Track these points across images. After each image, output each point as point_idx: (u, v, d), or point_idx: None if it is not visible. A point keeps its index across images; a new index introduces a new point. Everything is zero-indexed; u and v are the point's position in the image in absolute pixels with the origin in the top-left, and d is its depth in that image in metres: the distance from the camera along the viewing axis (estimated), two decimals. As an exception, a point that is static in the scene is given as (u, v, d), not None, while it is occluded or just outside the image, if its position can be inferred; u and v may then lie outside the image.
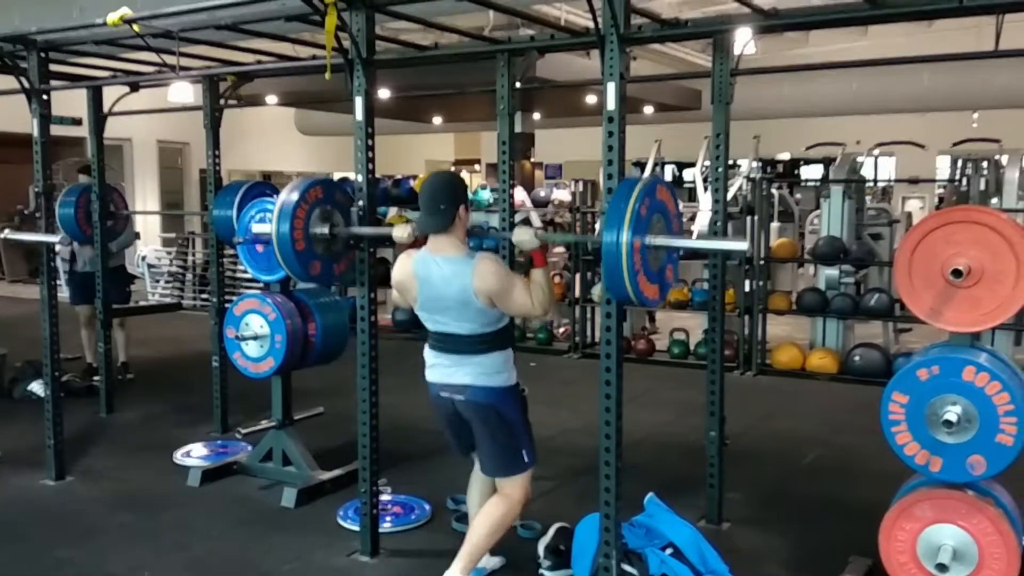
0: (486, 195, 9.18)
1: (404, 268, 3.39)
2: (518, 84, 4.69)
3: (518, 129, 8.51)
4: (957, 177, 10.47)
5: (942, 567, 2.97)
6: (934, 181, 15.57)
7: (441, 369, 3.38)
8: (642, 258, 2.93)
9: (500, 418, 3.35)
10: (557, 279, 8.92)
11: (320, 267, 3.83)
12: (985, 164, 9.08)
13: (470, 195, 9.13)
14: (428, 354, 3.44)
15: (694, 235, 9.40)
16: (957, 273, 2.94)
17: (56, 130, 4.90)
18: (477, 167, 20.52)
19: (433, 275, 3.28)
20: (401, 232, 3.51)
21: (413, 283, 3.34)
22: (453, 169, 21.61)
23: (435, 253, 3.31)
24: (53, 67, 5.24)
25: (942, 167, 16.23)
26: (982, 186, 8.85)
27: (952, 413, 2.92)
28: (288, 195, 3.74)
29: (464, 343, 3.31)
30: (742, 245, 3.06)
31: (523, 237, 3.29)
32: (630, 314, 8.61)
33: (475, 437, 3.44)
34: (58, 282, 5.03)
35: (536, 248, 3.28)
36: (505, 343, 3.38)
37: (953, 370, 2.94)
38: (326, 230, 3.79)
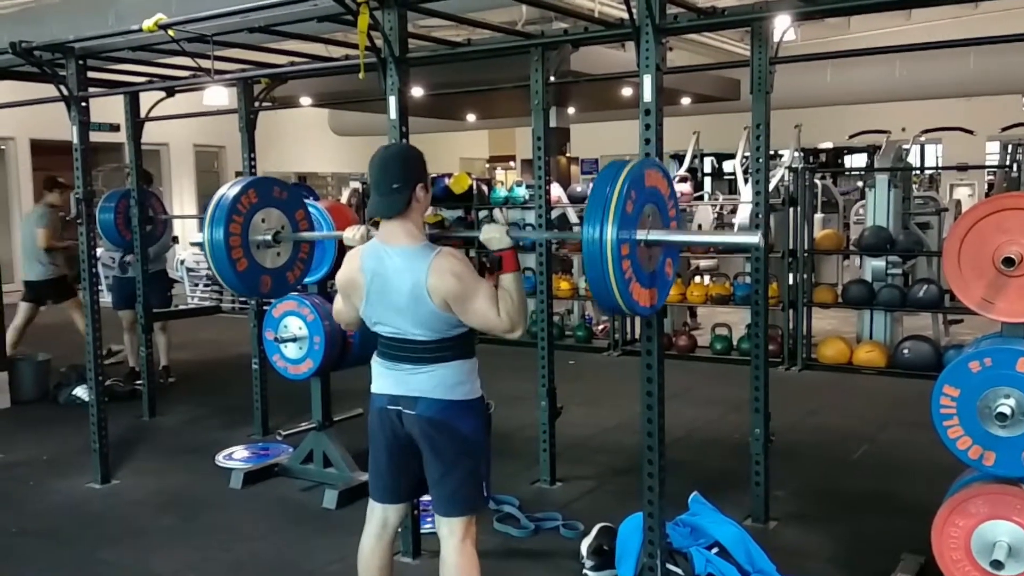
0: (522, 191, 9.15)
1: (351, 264, 2.91)
2: (552, 78, 4.65)
3: (553, 124, 8.46)
4: (1007, 163, 10.23)
5: (997, 564, 2.89)
6: (983, 167, 15.25)
7: (390, 379, 2.86)
8: (632, 262, 2.53)
9: (457, 437, 2.81)
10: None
11: (271, 282, 3.74)
12: (1035, 149, 8.86)
13: (502, 191, 9.25)
14: (376, 364, 2.93)
15: (735, 228, 9.32)
16: (1009, 262, 2.85)
17: (95, 136, 4.95)
18: (512, 164, 20.49)
19: (386, 268, 2.77)
20: (352, 233, 3.12)
21: (360, 280, 2.84)
22: (489, 165, 21.53)
23: (387, 242, 2.80)
24: (91, 74, 5.30)
25: (991, 153, 15.87)
26: (1033, 171, 8.62)
27: (1006, 406, 2.82)
28: (219, 205, 3.60)
29: (419, 350, 2.79)
30: (753, 238, 2.72)
31: (491, 235, 2.83)
32: (671, 310, 8.53)
33: (425, 466, 2.86)
34: (100, 288, 5.07)
35: (507, 248, 2.82)
36: (468, 351, 2.87)
37: (1006, 362, 2.85)
38: (269, 237, 3.67)
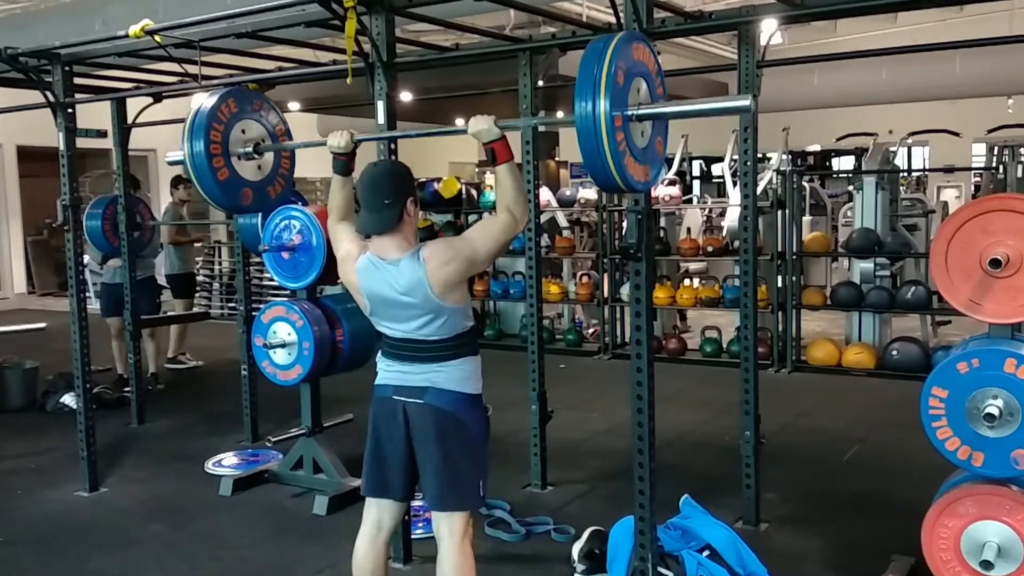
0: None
1: (348, 278, 2.94)
2: (540, 82, 4.65)
3: (542, 128, 8.48)
4: (994, 165, 10.29)
5: (987, 564, 2.90)
6: (970, 169, 15.32)
7: (397, 373, 2.88)
8: (626, 135, 2.48)
9: (462, 431, 2.83)
10: (585, 279, 8.86)
11: (252, 195, 3.67)
12: (1022, 150, 8.90)
13: (492, 195, 9.23)
14: (382, 362, 2.94)
15: (723, 231, 9.33)
16: (995, 263, 2.86)
17: (81, 142, 4.92)
18: (503, 168, 20.40)
19: (384, 281, 2.80)
20: (337, 140, 3.01)
21: (359, 293, 2.90)
22: (479, 169, 21.56)
23: (382, 256, 2.83)
24: (77, 80, 5.28)
25: (978, 155, 15.95)
26: (1019, 173, 8.68)
27: (994, 407, 2.84)
28: (198, 116, 3.50)
29: (427, 349, 2.82)
30: (744, 101, 2.61)
31: (480, 127, 2.77)
32: (661, 314, 8.54)
33: (422, 458, 2.86)
34: (88, 294, 5.05)
35: (497, 139, 2.77)
36: (474, 348, 2.91)
37: (994, 363, 2.86)
38: (250, 148, 3.61)
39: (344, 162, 3.07)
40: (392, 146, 3.68)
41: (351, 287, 2.94)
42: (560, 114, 12.75)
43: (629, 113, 2.48)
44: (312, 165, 18.31)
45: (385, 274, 2.80)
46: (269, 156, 3.81)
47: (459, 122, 15.36)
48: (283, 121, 3.98)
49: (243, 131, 3.70)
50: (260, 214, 5.11)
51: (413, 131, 3.53)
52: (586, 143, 2.44)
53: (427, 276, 2.73)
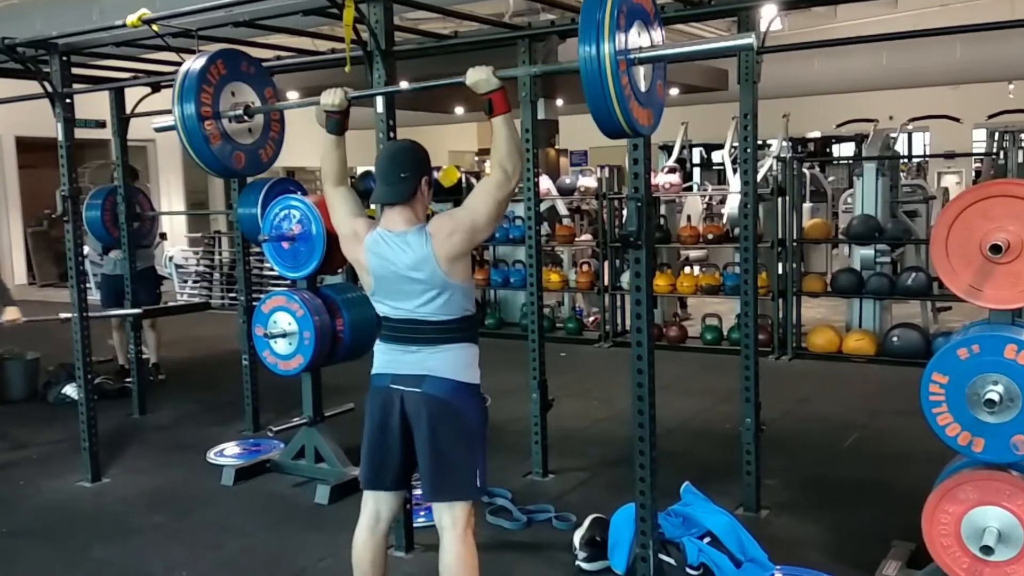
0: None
1: (355, 254, 2.90)
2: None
3: (541, 116, 8.46)
4: (994, 150, 10.26)
5: (987, 549, 2.90)
6: (970, 155, 15.30)
7: (396, 357, 2.85)
8: (630, 78, 2.45)
9: (459, 420, 2.80)
10: (585, 267, 8.85)
11: (245, 159, 3.64)
12: (1023, 136, 8.88)
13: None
14: (380, 347, 2.91)
15: (724, 218, 9.33)
16: (996, 249, 2.85)
17: (80, 133, 4.91)
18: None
19: (385, 257, 2.79)
20: (331, 97, 2.98)
21: (365, 271, 2.88)
22: (478, 158, 21.53)
23: (389, 229, 2.81)
24: (75, 70, 5.27)
25: (978, 140, 15.91)
26: (1020, 158, 8.65)
27: (994, 392, 2.83)
28: (187, 78, 3.45)
29: (428, 331, 2.79)
30: (747, 39, 2.57)
31: (478, 77, 2.72)
32: (661, 301, 8.54)
33: (418, 447, 2.82)
34: (88, 285, 5.05)
35: (495, 89, 2.71)
36: (473, 335, 2.88)
37: (994, 348, 2.86)
38: (240, 111, 3.57)
39: (338, 120, 3.03)
40: (391, 133, 3.67)
41: (357, 265, 2.91)
42: (560, 102, 12.74)
43: (632, 56, 2.46)
44: (311, 155, 18.32)
45: (393, 248, 2.78)
46: (260, 119, 3.78)
47: (458, 110, 15.16)
48: (272, 84, 3.95)
49: (233, 93, 3.67)
50: (260, 204, 5.11)
51: (409, 86, 3.46)
52: (591, 87, 2.40)
53: (434, 250, 2.72)
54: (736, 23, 4.17)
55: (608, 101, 2.40)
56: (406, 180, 2.80)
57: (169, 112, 3.64)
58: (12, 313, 5.55)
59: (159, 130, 3.67)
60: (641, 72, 2.54)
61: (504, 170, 2.71)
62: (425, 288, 2.77)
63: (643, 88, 2.55)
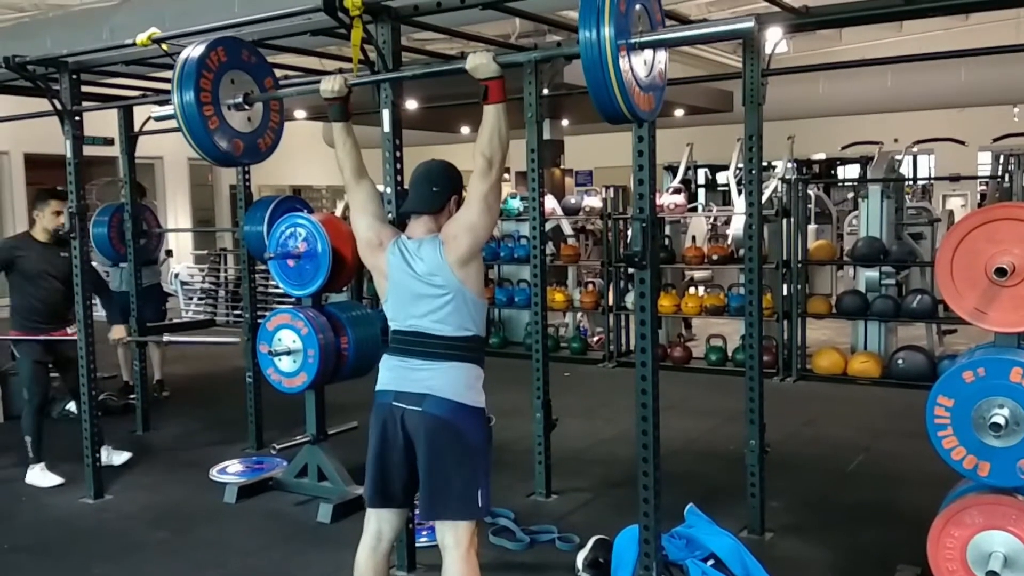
0: (516, 204, 9.15)
1: (375, 261, 2.95)
2: (546, 91, 4.66)
3: (547, 136, 8.49)
4: (999, 173, 10.27)
5: (993, 575, 2.87)
6: (976, 178, 15.28)
7: (399, 373, 2.86)
8: (630, 63, 2.45)
9: (460, 441, 2.79)
10: (590, 287, 8.86)
11: (243, 146, 3.63)
12: (1027, 159, 8.89)
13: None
14: (385, 362, 2.93)
15: (728, 239, 9.33)
16: (1001, 272, 2.85)
17: (88, 150, 4.94)
18: (506, 176, 20.50)
19: (403, 264, 2.84)
20: (330, 84, 3.00)
21: (383, 278, 2.92)
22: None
23: (409, 236, 2.89)
24: (85, 88, 5.30)
25: (983, 163, 15.92)
26: (1025, 182, 8.65)
27: (1000, 416, 2.82)
28: (187, 64, 3.42)
29: (434, 344, 2.81)
30: (746, 24, 2.57)
31: (478, 61, 2.70)
32: (666, 322, 8.53)
33: (420, 466, 2.82)
34: (94, 302, 5.06)
35: (494, 77, 2.70)
36: (479, 357, 2.89)
37: (1000, 372, 2.85)
38: (239, 99, 3.56)
39: (340, 106, 3.05)
40: (397, 152, 3.69)
41: (376, 271, 2.96)
42: (565, 122, 12.79)
43: (633, 41, 2.44)
44: (318, 173, 18.44)
45: (410, 256, 2.84)
46: (259, 108, 3.77)
47: (464, 130, 15.19)
48: (272, 74, 3.96)
49: (232, 81, 3.65)
50: (266, 222, 5.13)
51: (410, 73, 3.46)
52: (591, 72, 2.40)
53: (445, 255, 2.78)
54: (741, 45, 4.19)
55: (608, 86, 2.40)
56: (437, 194, 2.87)
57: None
58: (120, 332, 5.69)
59: (158, 119, 3.64)
60: (642, 57, 2.53)
61: (485, 158, 2.74)
62: (438, 294, 2.80)
63: (644, 73, 2.54)
